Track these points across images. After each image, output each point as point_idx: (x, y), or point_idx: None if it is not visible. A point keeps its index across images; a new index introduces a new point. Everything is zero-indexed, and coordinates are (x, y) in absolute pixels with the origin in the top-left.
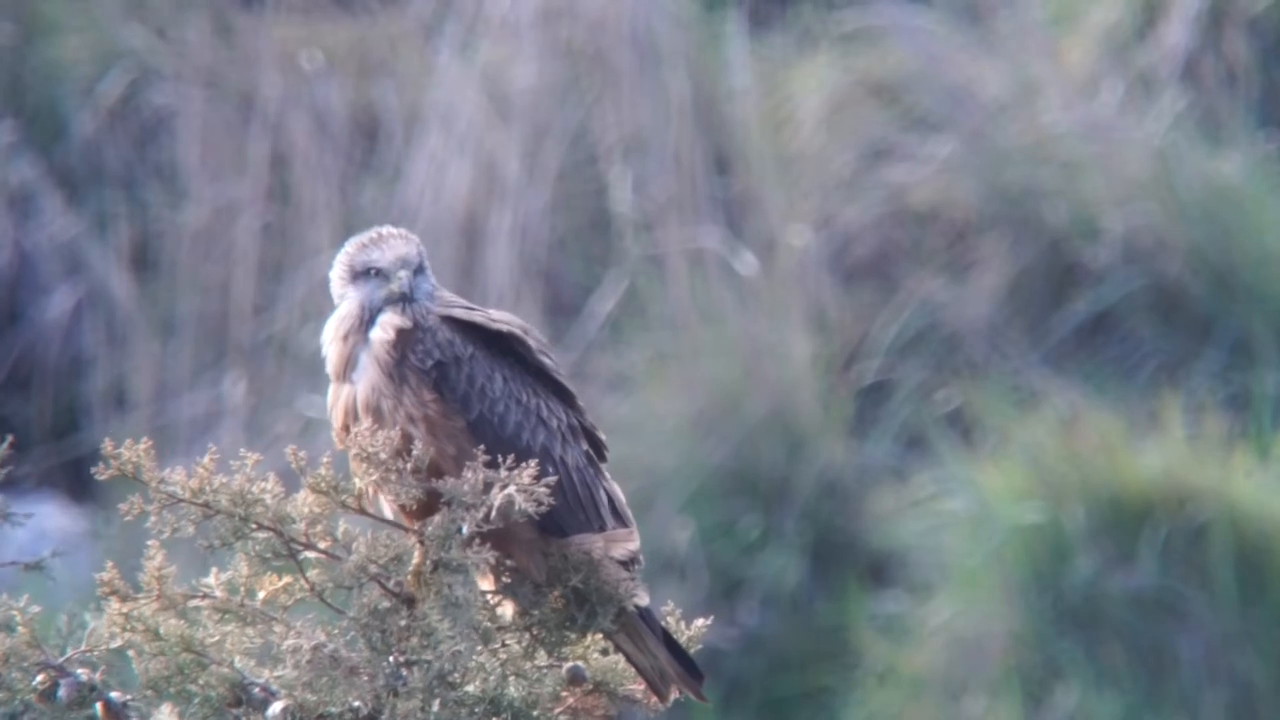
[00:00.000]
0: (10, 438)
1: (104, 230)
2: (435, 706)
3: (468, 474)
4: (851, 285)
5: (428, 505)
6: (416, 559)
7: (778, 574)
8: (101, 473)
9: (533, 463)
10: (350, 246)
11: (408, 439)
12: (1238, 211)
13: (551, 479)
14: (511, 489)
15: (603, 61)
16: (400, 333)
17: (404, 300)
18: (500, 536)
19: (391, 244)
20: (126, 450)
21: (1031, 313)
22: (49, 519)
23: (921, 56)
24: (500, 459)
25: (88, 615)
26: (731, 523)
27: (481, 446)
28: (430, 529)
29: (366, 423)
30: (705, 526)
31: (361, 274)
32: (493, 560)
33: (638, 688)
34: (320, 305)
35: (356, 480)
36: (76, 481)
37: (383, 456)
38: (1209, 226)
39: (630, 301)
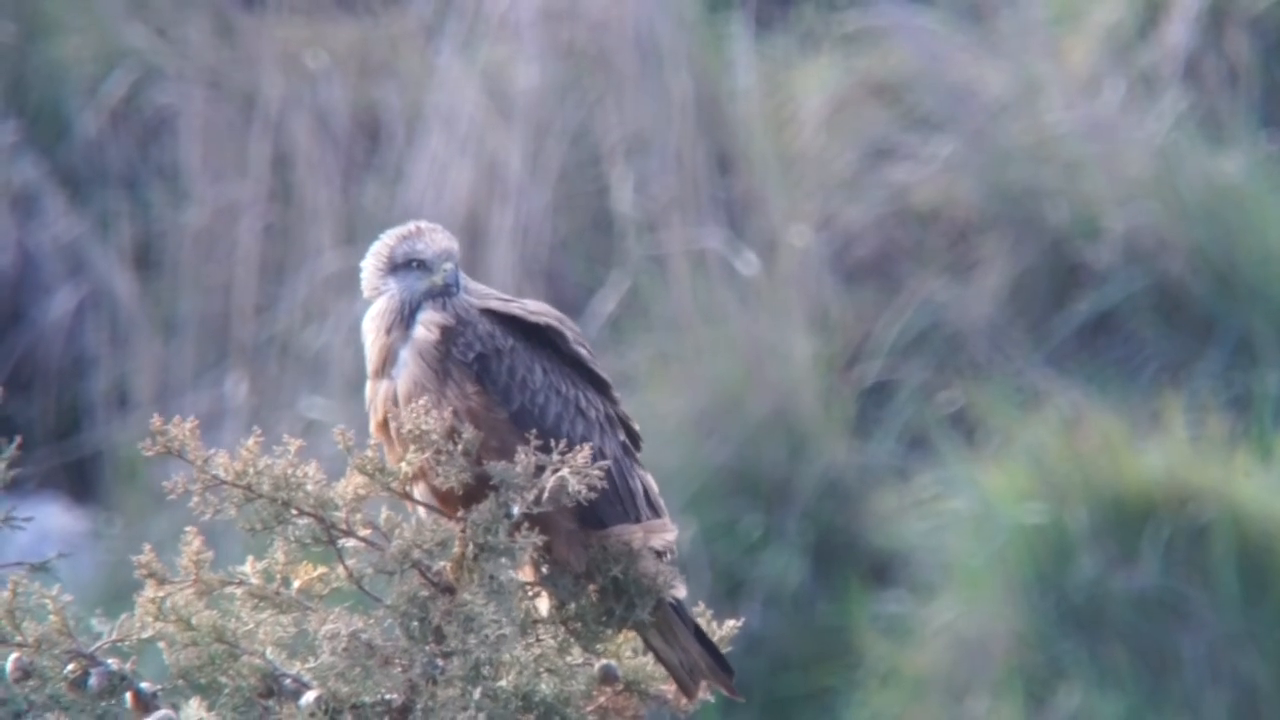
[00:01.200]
0: (19, 439)
1: (106, 230)
2: (476, 694)
3: (520, 456)
4: (853, 285)
5: (469, 493)
6: (458, 547)
7: (780, 574)
8: (148, 449)
9: (586, 446)
10: (389, 238)
11: (455, 427)
12: (1240, 211)
13: (605, 463)
14: (565, 471)
15: (605, 61)
16: (444, 330)
17: (446, 293)
18: (542, 528)
19: (434, 236)
20: (174, 428)
21: (1033, 313)
22: (51, 519)
23: (923, 56)
24: (552, 443)
25: (94, 622)
26: (733, 523)
27: (534, 431)
28: (475, 515)
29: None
30: (707, 526)
31: (403, 265)
32: (539, 544)
33: (668, 689)
34: (323, 306)
35: (404, 465)
36: (79, 482)
37: (435, 436)
38: (1211, 226)
39: (632, 302)
